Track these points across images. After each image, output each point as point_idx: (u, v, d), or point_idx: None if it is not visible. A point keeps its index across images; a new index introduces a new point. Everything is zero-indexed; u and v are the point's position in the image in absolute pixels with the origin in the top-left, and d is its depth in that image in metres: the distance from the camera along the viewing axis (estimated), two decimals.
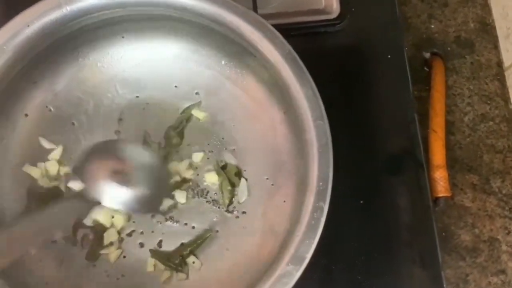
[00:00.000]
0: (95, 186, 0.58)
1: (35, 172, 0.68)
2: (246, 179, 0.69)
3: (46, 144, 0.70)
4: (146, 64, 0.73)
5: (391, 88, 0.79)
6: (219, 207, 0.69)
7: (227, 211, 0.69)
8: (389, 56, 0.81)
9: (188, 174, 0.70)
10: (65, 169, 0.69)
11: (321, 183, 0.56)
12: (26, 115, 0.70)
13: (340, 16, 0.81)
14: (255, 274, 0.62)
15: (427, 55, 0.92)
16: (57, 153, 0.69)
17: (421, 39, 0.97)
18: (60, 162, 0.69)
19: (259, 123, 0.71)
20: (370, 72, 0.81)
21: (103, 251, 0.66)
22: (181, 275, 0.66)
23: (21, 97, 0.69)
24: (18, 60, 0.63)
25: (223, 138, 0.71)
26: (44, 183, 0.69)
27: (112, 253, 0.66)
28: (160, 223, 0.68)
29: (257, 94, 0.71)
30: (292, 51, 0.60)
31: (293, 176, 0.68)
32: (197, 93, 0.73)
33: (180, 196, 0.68)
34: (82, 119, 0.71)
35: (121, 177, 0.58)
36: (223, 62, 0.72)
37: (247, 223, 0.68)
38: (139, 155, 0.63)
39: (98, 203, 0.60)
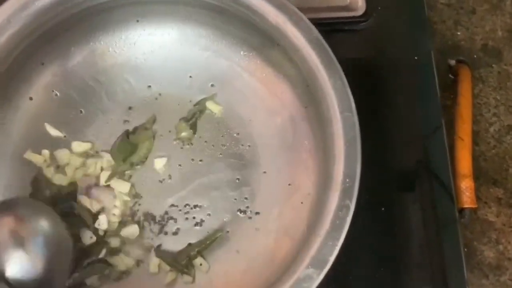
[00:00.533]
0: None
1: (38, 159, 0.63)
2: None
3: (52, 131, 0.65)
4: (161, 51, 0.69)
5: (416, 92, 0.75)
6: (231, 207, 0.64)
7: (239, 211, 0.64)
8: (416, 58, 0.77)
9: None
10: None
11: (347, 180, 0.51)
12: (31, 98, 0.66)
13: (366, 14, 0.77)
14: (268, 278, 0.57)
15: (453, 62, 0.88)
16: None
17: (446, 45, 0.93)
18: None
19: (278, 118, 0.67)
20: (394, 75, 0.76)
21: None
22: (187, 278, 0.61)
23: (27, 78, 0.65)
24: (25, 36, 0.59)
25: (238, 134, 0.66)
26: (48, 173, 0.64)
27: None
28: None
29: (277, 88, 0.67)
30: (320, 36, 0.55)
31: (312, 176, 0.63)
32: (212, 85, 0.69)
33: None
34: (89, 107, 0.67)
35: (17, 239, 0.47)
36: (242, 53, 0.68)
37: (260, 224, 0.63)
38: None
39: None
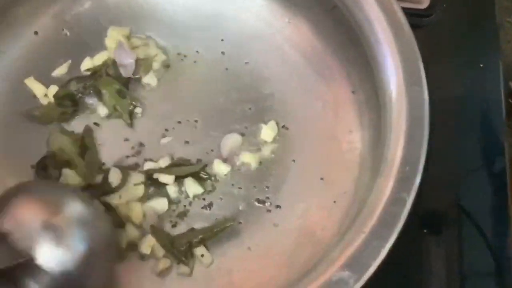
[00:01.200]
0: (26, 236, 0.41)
1: (37, 87, 0.55)
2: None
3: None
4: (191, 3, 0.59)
5: (479, 102, 0.63)
6: (248, 194, 0.53)
7: (258, 200, 0.53)
8: (481, 65, 0.66)
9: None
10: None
11: (407, 168, 0.40)
12: (36, 32, 0.56)
13: (430, 8, 0.67)
14: (282, 284, 0.46)
15: None
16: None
17: (509, 67, 0.82)
18: None
19: (319, 102, 0.56)
20: (457, 80, 0.65)
21: None
22: (184, 269, 0.50)
23: (33, 8, 0.55)
24: None
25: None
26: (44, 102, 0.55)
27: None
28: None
29: (322, 65, 0.56)
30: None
31: (353, 171, 0.52)
32: (246, 63, 0.58)
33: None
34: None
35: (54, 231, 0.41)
36: (287, 20, 0.58)
37: (280, 220, 0.52)
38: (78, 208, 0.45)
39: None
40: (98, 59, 0.56)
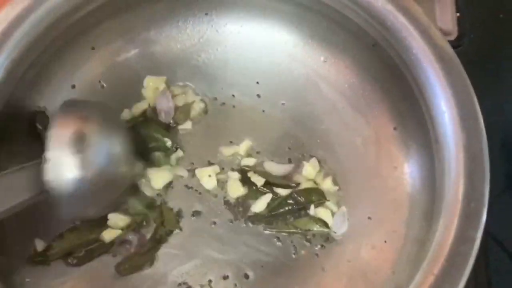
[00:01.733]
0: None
1: None
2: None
3: None
4: (227, 51, 0.59)
5: (501, 125, 0.62)
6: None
7: (303, 245, 0.52)
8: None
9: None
10: None
11: (472, 204, 0.38)
12: (73, 86, 0.56)
13: (459, 39, 0.67)
14: None
15: None
16: None
17: None
18: None
19: (358, 139, 0.55)
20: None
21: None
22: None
23: (73, 61, 0.55)
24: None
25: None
26: None
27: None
28: None
29: (360, 101, 0.56)
30: (434, 28, 0.45)
31: (400, 210, 0.51)
32: (283, 104, 0.58)
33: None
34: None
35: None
36: (322, 59, 0.57)
37: (327, 262, 0.50)
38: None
39: None
40: (137, 109, 0.56)
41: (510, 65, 0.69)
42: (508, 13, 0.68)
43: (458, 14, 0.69)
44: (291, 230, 0.53)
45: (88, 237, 0.52)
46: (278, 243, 0.52)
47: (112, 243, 0.52)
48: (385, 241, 0.50)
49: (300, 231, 0.52)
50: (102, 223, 0.53)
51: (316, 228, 0.52)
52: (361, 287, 0.49)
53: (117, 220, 0.52)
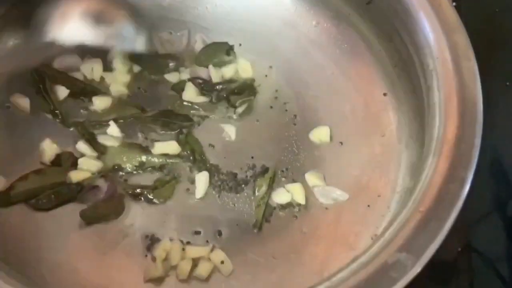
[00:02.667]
0: None
1: None
2: None
3: None
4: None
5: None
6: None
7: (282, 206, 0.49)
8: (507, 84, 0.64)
9: None
10: None
11: (463, 145, 0.36)
12: None
13: None
14: None
15: None
16: None
17: None
18: None
19: (347, 104, 0.54)
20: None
21: None
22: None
23: None
24: None
25: (295, 117, 0.53)
26: None
27: None
28: None
29: (349, 68, 0.54)
30: None
31: (387, 174, 0.48)
32: (270, 67, 0.56)
33: None
34: None
35: None
36: (314, 23, 0.56)
37: (306, 225, 0.48)
38: None
39: None
40: None
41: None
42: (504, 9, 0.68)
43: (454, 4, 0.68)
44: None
45: (55, 180, 0.49)
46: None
47: (80, 188, 0.49)
48: (369, 206, 0.48)
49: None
50: (70, 167, 0.49)
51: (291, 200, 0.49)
52: (340, 251, 0.46)
53: (89, 164, 0.49)
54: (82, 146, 0.50)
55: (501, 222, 0.57)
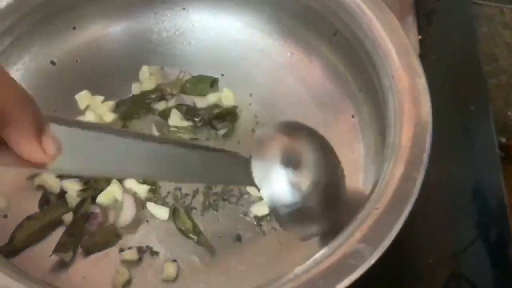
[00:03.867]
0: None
1: None
2: None
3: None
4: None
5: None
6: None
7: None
8: (472, 108, 0.68)
9: None
10: None
11: (415, 150, 0.41)
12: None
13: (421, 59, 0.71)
14: None
15: (503, 140, 0.80)
16: None
17: (496, 123, 0.85)
18: None
19: (322, 125, 0.58)
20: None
21: None
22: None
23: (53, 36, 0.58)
24: None
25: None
26: None
27: None
28: None
29: (321, 95, 0.60)
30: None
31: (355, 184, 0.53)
32: (251, 95, 0.61)
33: None
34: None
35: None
36: (289, 54, 0.62)
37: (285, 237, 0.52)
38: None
39: None
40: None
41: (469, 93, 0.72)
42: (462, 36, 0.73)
43: (420, 37, 0.74)
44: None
45: (50, 218, 0.52)
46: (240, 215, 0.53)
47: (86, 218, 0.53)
48: None
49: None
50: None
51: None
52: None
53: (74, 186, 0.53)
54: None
55: (486, 249, 0.59)
